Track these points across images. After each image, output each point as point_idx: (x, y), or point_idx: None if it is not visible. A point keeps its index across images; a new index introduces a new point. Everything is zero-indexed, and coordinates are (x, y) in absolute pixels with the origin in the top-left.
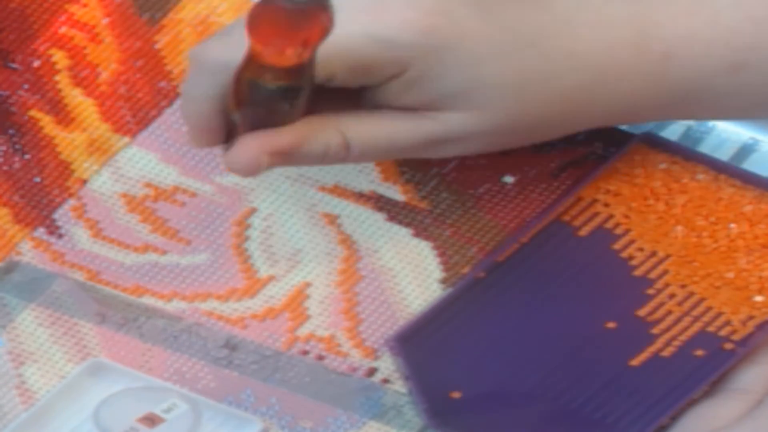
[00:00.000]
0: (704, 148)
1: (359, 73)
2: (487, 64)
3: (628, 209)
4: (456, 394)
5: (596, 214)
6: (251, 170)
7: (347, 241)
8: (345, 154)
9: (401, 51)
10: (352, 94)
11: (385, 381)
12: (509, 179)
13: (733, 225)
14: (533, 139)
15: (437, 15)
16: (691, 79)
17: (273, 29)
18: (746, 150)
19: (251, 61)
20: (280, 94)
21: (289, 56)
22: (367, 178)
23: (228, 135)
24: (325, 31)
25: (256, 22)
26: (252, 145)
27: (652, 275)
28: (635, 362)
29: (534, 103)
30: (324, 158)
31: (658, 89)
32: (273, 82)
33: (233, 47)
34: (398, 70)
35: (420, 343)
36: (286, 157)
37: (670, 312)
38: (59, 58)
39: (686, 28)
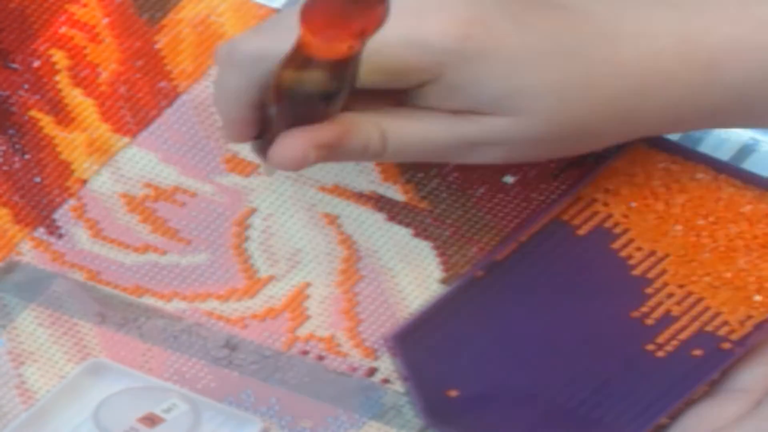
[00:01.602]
0: (704, 148)
1: (393, 77)
2: (525, 73)
3: (628, 209)
4: (453, 393)
5: (595, 214)
6: (299, 164)
7: (347, 241)
8: (381, 151)
9: (436, 57)
10: (391, 94)
11: (385, 381)
12: (509, 179)
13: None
14: (579, 148)
15: (475, 24)
16: (738, 87)
17: (328, 19)
18: (746, 150)
19: (297, 54)
20: (323, 91)
21: (341, 48)
22: (367, 178)
23: (261, 130)
24: (380, 22)
25: (311, 10)
26: (298, 139)
27: (651, 275)
28: (633, 362)
29: (575, 111)
30: (363, 154)
31: (705, 98)
32: (317, 78)
33: (270, 40)
34: (432, 76)
35: (417, 341)
36: (330, 151)
37: (668, 311)
38: (59, 58)
39: (731, 37)
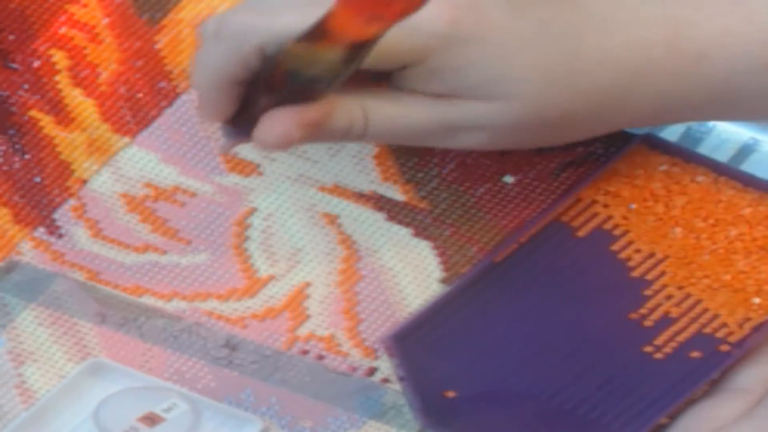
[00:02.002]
0: (704, 148)
1: (378, 58)
2: (513, 57)
3: (628, 210)
4: (450, 394)
5: (595, 215)
6: (284, 143)
7: (347, 241)
8: (363, 132)
9: (423, 40)
10: (372, 75)
11: (385, 381)
12: (509, 179)
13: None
14: (559, 137)
15: (464, 8)
16: (725, 79)
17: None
18: (746, 150)
19: (320, 32)
20: (335, 73)
21: (371, 30)
22: (367, 178)
23: (239, 109)
24: (422, 4)
25: None
26: (284, 118)
27: (650, 276)
28: (631, 363)
29: (560, 98)
30: (347, 134)
31: (692, 88)
32: (334, 59)
33: (262, 15)
34: (417, 59)
35: (415, 342)
36: (316, 131)
37: (666, 313)
38: (59, 58)
39: (721, 28)
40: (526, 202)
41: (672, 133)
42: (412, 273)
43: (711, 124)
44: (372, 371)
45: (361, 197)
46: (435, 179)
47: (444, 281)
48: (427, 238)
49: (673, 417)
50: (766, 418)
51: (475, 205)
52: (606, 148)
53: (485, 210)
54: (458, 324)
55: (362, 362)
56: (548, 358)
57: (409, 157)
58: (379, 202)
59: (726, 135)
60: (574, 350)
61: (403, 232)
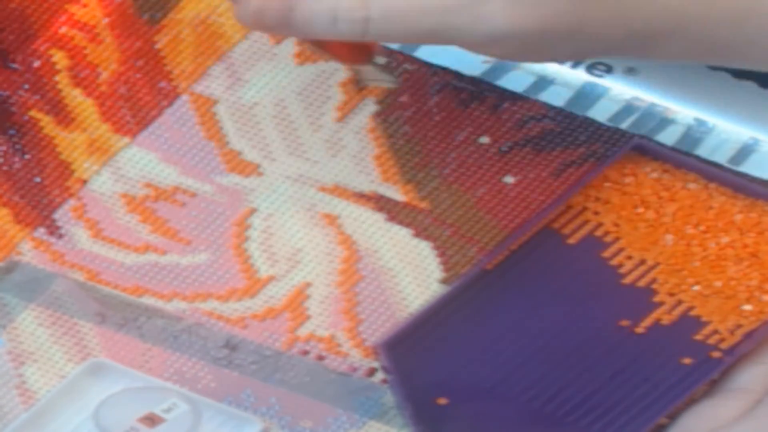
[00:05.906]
0: (704, 149)
1: None
2: None
3: (618, 217)
4: (443, 401)
5: (586, 222)
6: (256, 20)
7: (347, 241)
8: (364, 15)
9: None
10: None
11: (386, 381)
12: (509, 179)
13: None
14: (573, 37)
15: None
16: None
17: None
18: (746, 150)
19: None
20: None
21: None
22: (368, 178)
23: None
24: None
25: None
26: None
27: (641, 283)
28: (622, 370)
29: None
30: (336, 20)
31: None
32: None
33: None
34: None
35: (406, 349)
36: (290, 10)
37: (657, 320)
38: (59, 58)
39: None
40: (526, 202)
41: (672, 133)
42: (412, 273)
43: (711, 124)
44: (372, 371)
45: (361, 197)
46: (435, 179)
47: (444, 282)
48: (427, 238)
49: (673, 417)
50: (766, 418)
51: (475, 206)
52: (607, 148)
53: (485, 210)
54: (450, 331)
55: (362, 362)
56: (540, 366)
57: (409, 157)
58: (379, 202)
59: (726, 135)
60: (566, 357)
61: (403, 233)
